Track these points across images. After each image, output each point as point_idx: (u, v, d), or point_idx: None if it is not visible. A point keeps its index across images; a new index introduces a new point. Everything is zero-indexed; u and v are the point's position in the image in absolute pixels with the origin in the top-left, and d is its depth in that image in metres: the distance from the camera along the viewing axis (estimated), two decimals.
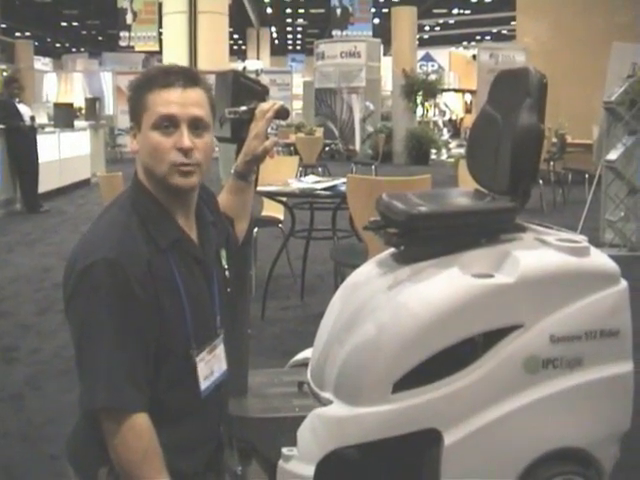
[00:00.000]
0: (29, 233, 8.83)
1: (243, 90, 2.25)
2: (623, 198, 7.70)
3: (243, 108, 2.17)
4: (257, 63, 33.02)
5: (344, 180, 4.91)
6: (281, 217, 6.01)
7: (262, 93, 2.30)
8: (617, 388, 2.34)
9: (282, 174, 5.73)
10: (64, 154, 12.20)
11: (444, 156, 20.92)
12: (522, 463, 2.22)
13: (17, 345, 4.75)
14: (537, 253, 2.34)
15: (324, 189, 5.06)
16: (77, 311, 1.69)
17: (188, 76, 1.77)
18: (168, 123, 1.73)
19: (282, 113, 2.15)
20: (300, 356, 2.84)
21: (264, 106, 2.13)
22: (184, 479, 1.81)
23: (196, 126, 1.76)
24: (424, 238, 2.42)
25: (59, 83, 26.45)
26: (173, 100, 1.73)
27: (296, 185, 5.26)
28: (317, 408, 2.31)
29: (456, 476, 2.21)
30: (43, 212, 10.40)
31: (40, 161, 10.65)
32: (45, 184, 11.04)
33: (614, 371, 2.31)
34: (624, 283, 2.35)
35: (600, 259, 2.38)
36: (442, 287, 2.25)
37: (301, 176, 7.56)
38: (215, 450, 1.98)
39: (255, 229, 5.30)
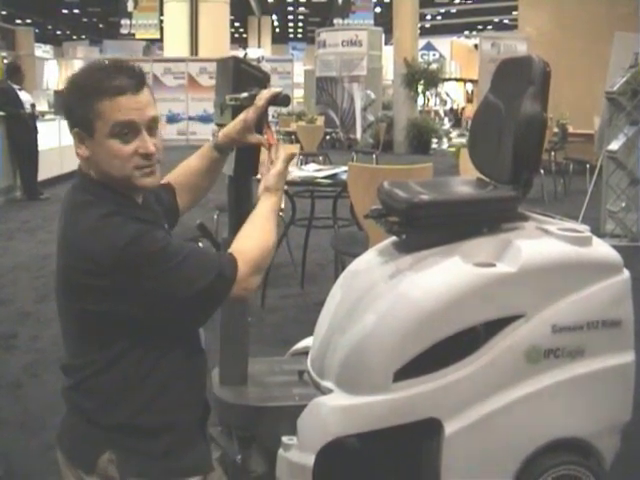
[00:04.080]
0: (29, 220, 8.83)
1: (244, 77, 2.23)
2: (624, 188, 7.69)
3: (244, 95, 2.15)
4: (258, 51, 32.99)
5: (345, 168, 4.91)
6: (282, 205, 5.98)
7: (263, 80, 2.28)
8: (618, 378, 2.33)
9: None
10: (64, 141, 12.16)
11: (445, 145, 20.91)
12: (522, 453, 2.22)
13: (16, 332, 4.76)
14: (539, 242, 2.32)
15: (325, 177, 5.04)
16: (139, 270, 1.67)
17: (136, 78, 1.73)
18: (127, 130, 1.70)
19: (283, 100, 2.13)
20: (300, 345, 2.84)
21: (265, 93, 2.11)
22: (179, 433, 1.83)
23: (151, 126, 1.75)
24: (426, 226, 2.40)
25: (60, 70, 26.48)
26: (130, 106, 1.69)
27: (297, 173, 5.25)
28: (317, 397, 2.30)
29: (456, 466, 2.20)
30: (43, 199, 10.40)
31: (40, 148, 10.64)
32: (45, 171, 11.04)
33: (616, 361, 2.30)
34: (626, 273, 2.33)
35: (602, 249, 2.37)
36: (444, 276, 2.24)
37: (302, 164, 7.54)
38: (203, 412, 1.98)
39: None
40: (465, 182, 2.77)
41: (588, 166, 10.15)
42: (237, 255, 1.80)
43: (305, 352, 2.67)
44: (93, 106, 1.68)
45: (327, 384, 2.35)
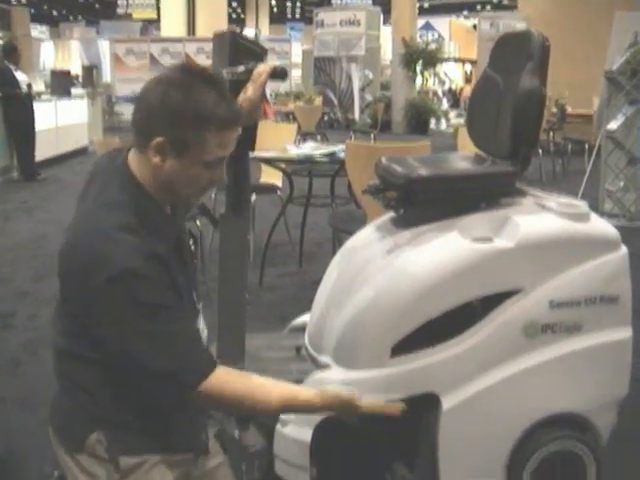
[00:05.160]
0: (26, 201, 8.81)
1: (241, 51, 2.22)
2: (623, 168, 7.69)
3: (241, 69, 2.14)
4: (254, 30, 32.77)
5: (343, 147, 4.89)
6: (279, 184, 5.99)
7: (260, 54, 2.27)
8: (615, 354, 2.34)
9: (280, 141, 5.70)
10: (61, 122, 12.13)
11: (443, 126, 20.82)
12: (519, 428, 2.23)
13: (14, 311, 4.77)
14: (537, 218, 2.32)
15: (323, 155, 5.03)
16: (117, 313, 1.60)
17: (236, 113, 1.71)
18: (217, 162, 1.69)
19: (280, 73, 2.13)
20: (298, 320, 2.84)
21: (261, 68, 2.10)
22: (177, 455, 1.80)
23: None
24: (423, 202, 2.40)
25: (56, 51, 26.36)
26: (229, 143, 1.69)
27: (295, 151, 5.23)
28: (315, 372, 2.30)
29: (454, 440, 2.21)
30: (40, 180, 10.36)
31: (37, 129, 10.59)
32: (42, 152, 10.99)
33: (613, 337, 2.30)
34: (624, 249, 2.33)
35: (600, 225, 2.37)
36: (441, 251, 2.24)
37: (299, 143, 7.51)
38: (202, 427, 1.95)
39: (253, 196, 5.28)
40: (463, 157, 2.76)
41: (587, 146, 10.14)
42: (219, 378, 1.67)
43: (303, 328, 2.68)
44: (200, 133, 1.63)
45: (324, 359, 2.35)
